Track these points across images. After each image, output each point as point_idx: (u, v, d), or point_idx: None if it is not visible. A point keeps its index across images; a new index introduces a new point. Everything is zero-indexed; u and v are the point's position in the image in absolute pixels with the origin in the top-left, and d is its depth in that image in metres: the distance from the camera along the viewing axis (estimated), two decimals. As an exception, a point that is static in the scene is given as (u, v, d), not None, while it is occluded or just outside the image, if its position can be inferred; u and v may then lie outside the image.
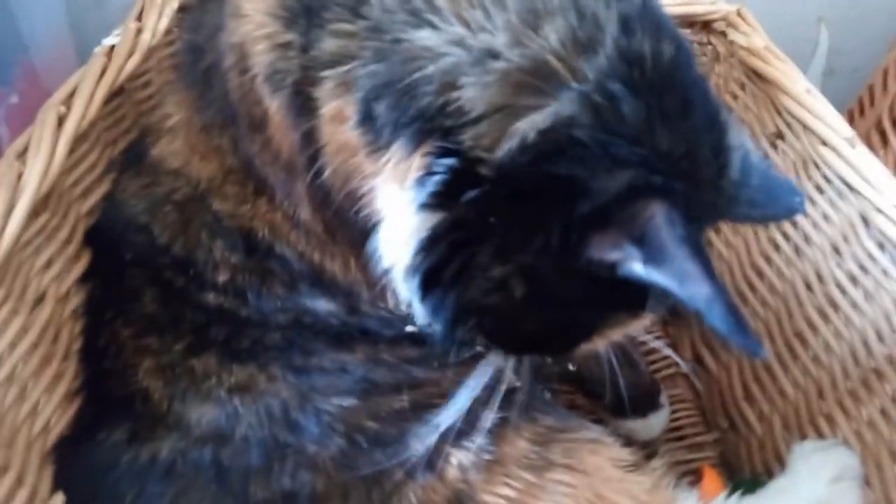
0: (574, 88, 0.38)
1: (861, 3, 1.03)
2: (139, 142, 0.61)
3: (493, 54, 0.39)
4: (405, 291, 0.44)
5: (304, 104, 0.46)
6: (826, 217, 0.62)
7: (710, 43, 0.75)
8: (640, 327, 0.46)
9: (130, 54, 0.61)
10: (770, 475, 0.65)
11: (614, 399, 0.67)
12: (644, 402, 0.72)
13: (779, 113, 0.66)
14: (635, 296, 0.41)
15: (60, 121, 0.53)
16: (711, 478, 0.62)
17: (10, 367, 0.49)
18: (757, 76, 0.68)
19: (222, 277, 0.53)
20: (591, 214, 0.37)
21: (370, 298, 0.54)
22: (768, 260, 0.70)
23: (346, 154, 0.45)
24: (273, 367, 0.52)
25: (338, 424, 0.50)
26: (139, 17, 0.65)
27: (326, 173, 0.46)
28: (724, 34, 0.72)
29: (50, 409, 0.53)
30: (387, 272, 0.45)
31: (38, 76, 0.72)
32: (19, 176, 0.49)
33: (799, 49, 0.70)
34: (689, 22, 0.73)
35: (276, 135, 0.49)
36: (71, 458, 0.53)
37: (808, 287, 0.64)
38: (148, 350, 0.53)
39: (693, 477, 0.63)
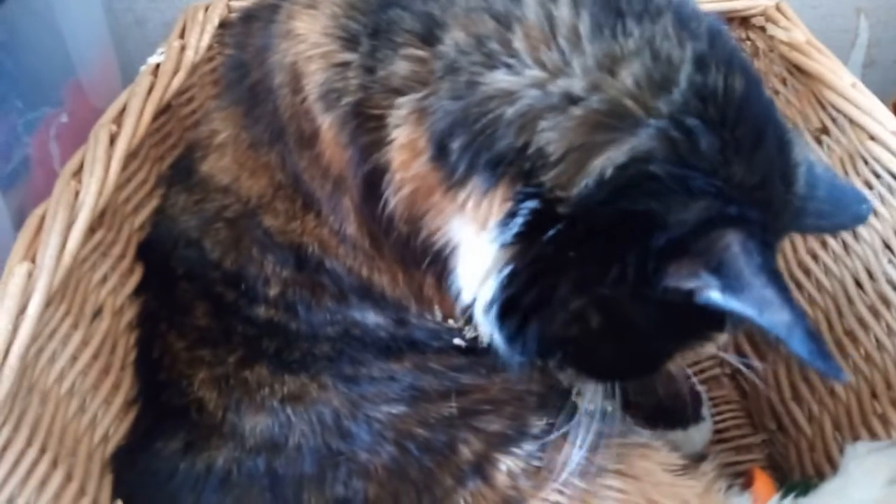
0: (651, 124, 0.39)
1: (901, -9, 1.01)
2: (186, 157, 0.62)
3: (573, 99, 0.40)
4: (484, 324, 0.45)
5: (362, 124, 0.46)
6: (876, 213, 0.60)
7: (748, 38, 0.75)
8: (714, 348, 0.47)
9: (176, 71, 0.63)
10: (821, 477, 0.64)
11: (651, 409, 0.66)
12: (684, 414, 0.71)
13: (823, 108, 0.65)
14: (713, 319, 0.42)
15: (112, 139, 0.54)
16: (763, 480, 0.61)
17: (72, 380, 0.51)
18: (799, 71, 0.67)
19: (273, 291, 0.54)
20: (668, 245, 0.38)
21: (418, 311, 0.55)
22: (815, 258, 0.68)
23: (416, 184, 0.46)
24: (324, 376, 0.53)
25: (388, 432, 0.51)
26: (182, 35, 0.66)
27: (390, 198, 0.47)
28: (763, 29, 0.71)
29: (108, 420, 0.55)
30: (467, 306, 0.46)
31: (85, 95, 0.74)
32: (76, 194, 0.50)
33: (838, 41, 0.69)
34: (728, 18, 0.72)
35: (327, 151, 0.50)
36: (129, 467, 0.54)
37: (859, 284, 0.63)
38: (202, 361, 0.54)
39: (741, 479, 0.62)
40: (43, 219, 0.49)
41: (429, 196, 0.46)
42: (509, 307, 0.43)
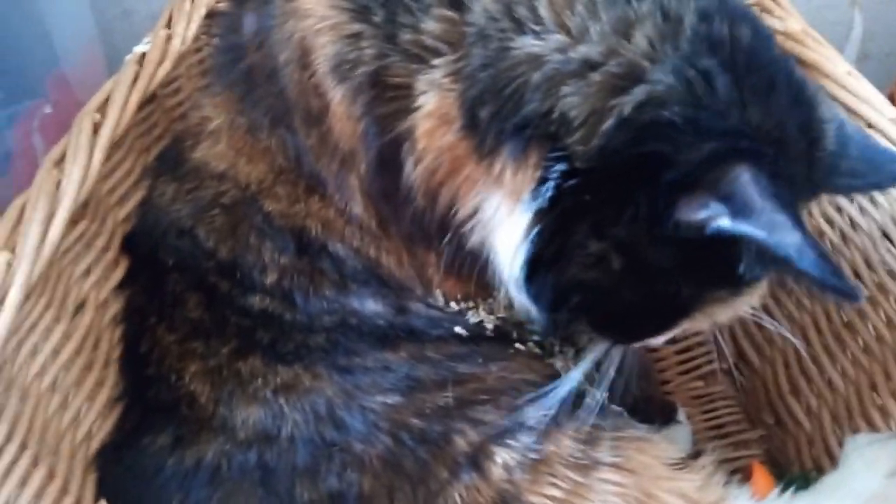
0: (667, 64, 0.40)
1: (895, -16, 1.01)
2: (174, 146, 0.61)
3: (592, 65, 0.41)
4: (514, 289, 0.47)
5: (381, 94, 0.47)
6: (874, 201, 0.60)
7: None
8: (746, 306, 0.47)
9: (161, 61, 0.61)
10: (820, 471, 0.63)
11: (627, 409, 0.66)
12: (658, 416, 0.69)
13: (819, 97, 0.65)
14: (727, 266, 0.42)
15: (96, 128, 0.53)
16: (762, 474, 0.60)
17: (53, 375, 0.50)
18: (795, 60, 0.66)
19: (270, 279, 0.53)
20: (677, 181, 0.39)
21: (423, 295, 0.54)
22: (812, 249, 0.68)
23: (443, 155, 0.46)
24: (318, 367, 0.52)
25: (383, 422, 0.50)
26: (168, 25, 0.65)
27: (410, 168, 0.47)
28: (758, 19, 0.71)
29: (92, 417, 0.53)
30: (500, 275, 0.47)
31: (69, 86, 0.73)
32: (58, 184, 0.49)
33: (832, 34, 0.68)
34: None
35: (337, 126, 0.49)
36: (114, 465, 0.53)
37: (857, 274, 0.62)
38: (194, 354, 0.53)
39: (740, 475, 0.61)
40: (24, 208, 0.48)
41: (459, 169, 0.46)
42: (531, 260, 0.44)
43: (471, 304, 0.55)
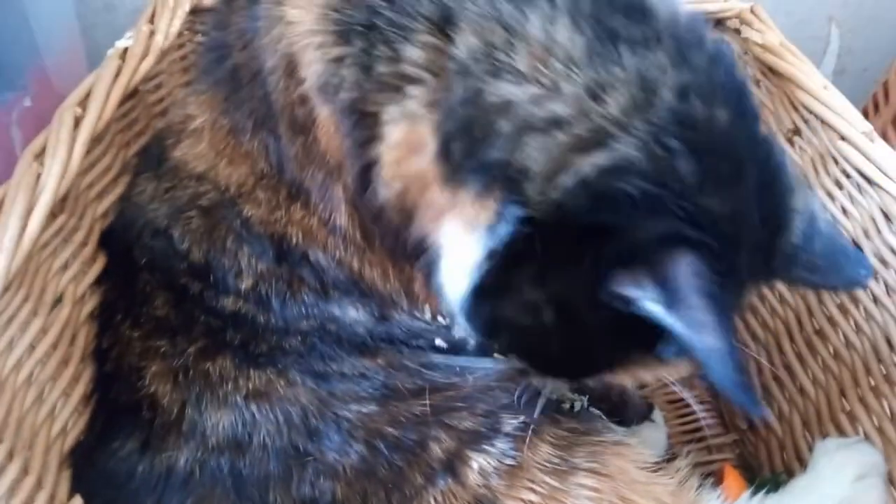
0: (630, 140, 0.40)
1: (872, 2, 1.03)
2: (156, 143, 0.60)
3: (558, 123, 0.41)
4: (455, 308, 0.47)
5: (358, 120, 0.47)
6: (845, 212, 0.61)
7: (723, 41, 0.75)
8: (670, 374, 0.48)
9: (144, 56, 0.61)
10: (790, 475, 0.64)
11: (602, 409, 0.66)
12: (633, 414, 0.70)
13: (795, 109, 0.66)
14: (649, 340, 0.42)
15: (77, 122, 0.53)
16: (733, 477, 0.61)
17: (30, 369, 0.49)
18: (772, 73, 0.68)
19: (245, 284, 0.53)
20: (621, 253, 0.39)
21: (408, 308, 0.54)
22: (786, 257, 0.69)
23: (411, 180, 0.46)
24: (292, 372, 0.51)
25: (358, 431, 0.50)
26: (151, 20, 0.65)
27: (383, 189, 0.47)
28: (737, 31, 0.72)
29: (67, 412, 0.53)
30: (446, 297, 0.48)
31: (49, 80, 0.72)
32: (38, 177, 0.49)
33: (810, 48, 0.70)
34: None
35: (324, 138, 0.49)
36: (87, 466, 0.52)
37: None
38: (156, 353, 0.52)
39: (714, 478, 0.62)
40: (2, 201, 0.47)
41: (425, 191, 0.46)
42: (478, 291, 0.45)
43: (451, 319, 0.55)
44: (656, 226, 0.39)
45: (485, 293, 0.44)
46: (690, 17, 0.45)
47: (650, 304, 0.38)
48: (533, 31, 0.42)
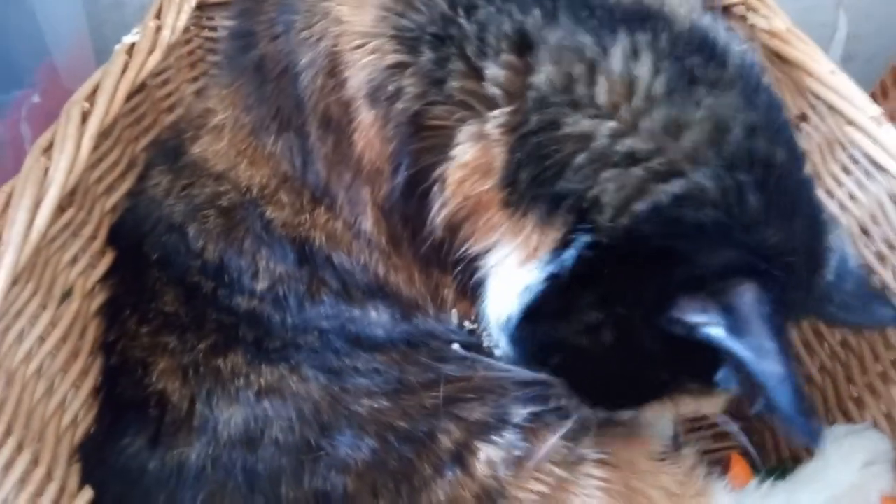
0: (707, 167, 0.41)
1: (880, -13, 1.02)
2: (174, 136, 0.59)
3: (636, 159, 0.42)
4: (498, 327, 0.48)
5: (418, 132, 0.46)
6: (853, 197, 0.61)
7: (729, 28, 0.74)
8: (711, 407, 0.49)
9: (151, 51, 0.61)
10: (797, 462, 0.64)
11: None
12: None
13: (802, 95, 0.65)
14: (706, 368, 0.43)
15: (84, 117, 0.53)
16: (741, 466, 0.61)
17: (39, 361, 0.50)
18: (779, 59, 0.67)
19: (261, 286, 0.53)
20: (687, 279, 0.40)
21: (434, 312, 0.55)
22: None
23: (472, 201, 0.46)
24: (304, 367, 0.51)
25: (369, 426, 0.50)
26: (158, 15, 0.65)
27: (439, 204, 0.47)
28: (744, 18, 0.71)
29: (77, 404, 0.53)
30: (488, 316, 0.48)
31: (58, 76, 0.73)
32: (46, 171, 0.49)
33: (817, 35, 0.69)
34: (709, 6, 0.72)
35: (361, 141, 0.49)
36: (97, 460, 0.52)
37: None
38: (165, 349, 0.52)
39: (721, 466, 0.62)
40: (11, 195, 0.48)
41: (483, 212, 0.46)
42: (530, 314, 0.45)
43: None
44: (724, 254, 0.40)
45: (539, 315, 0.45)
46: (753, 62, 0.47)
47: (714, 329, 0.39)
48: (615, 67, 0.43)
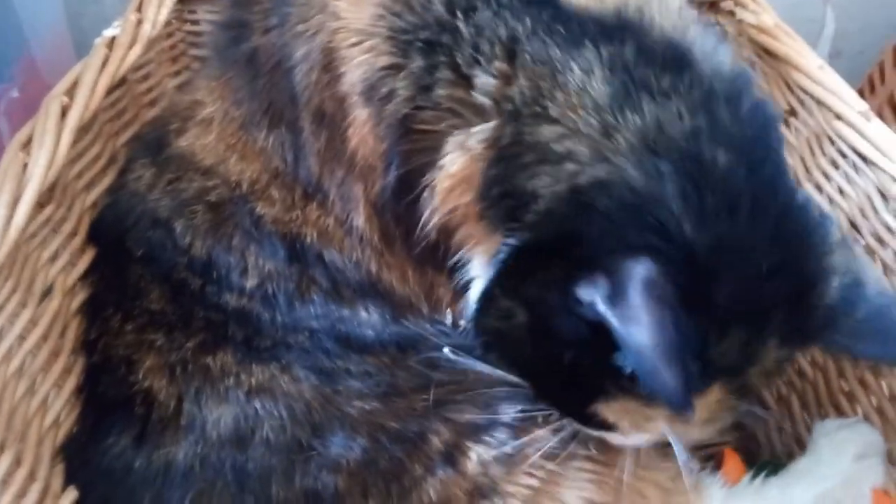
0: (633, 160, 0.41)
1: (866, -17, 1.03)
2: (158, 128, 0.58)
3: (571, 156, 0.43)
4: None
5: (407, 134, 0.47)
6: (842, 192, 0.61)
7: (717, 24, 0.74)
8: (663, 422, 0.45)
9: (131, 45, 0.60)
10: (789, 457, 0.64)
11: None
12: None
13: (791, 90, 0.66)
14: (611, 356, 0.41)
15: (63, 111, 0.52)
16: (733, 461, 0.61)
17: (20, 360, 0.49)
18: (768, 54, 0.67)
19: (250, 283, 0.52)
20: (587, 258, 0.40)
21: (428, 312, 0.54)
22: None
23: (461, 209, 0.47)
24: (296, 368, 0.51)
25: (361, 427, 0.49)
26: (139, 9, 0.64)
27: (430, 210, 0.48)
28: (732, 13, 0.71)
29: (60, 404, 0.52)
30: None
31: (37, 70, 0.71)
32: (24, 167, 0.48)
33: (805, 30, 0.70)
34: (697, 3, 0.72)
35: (355, 138, 0.49)
36: (81, 460, 0.51)
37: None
38: (151, 347, 0.51)
39: (714, 461, 0.62)
40: (-12, 191, 0.47)
41: (465, 221, 0.48)
42: (477, 316, 0.48)
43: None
44: (627, 235, 0.40)
45: (480, 314, 0.47)
46: (735, 74, 0.46)
47: (600, 304, 0.38)
48: (572, 80, 0.44)
